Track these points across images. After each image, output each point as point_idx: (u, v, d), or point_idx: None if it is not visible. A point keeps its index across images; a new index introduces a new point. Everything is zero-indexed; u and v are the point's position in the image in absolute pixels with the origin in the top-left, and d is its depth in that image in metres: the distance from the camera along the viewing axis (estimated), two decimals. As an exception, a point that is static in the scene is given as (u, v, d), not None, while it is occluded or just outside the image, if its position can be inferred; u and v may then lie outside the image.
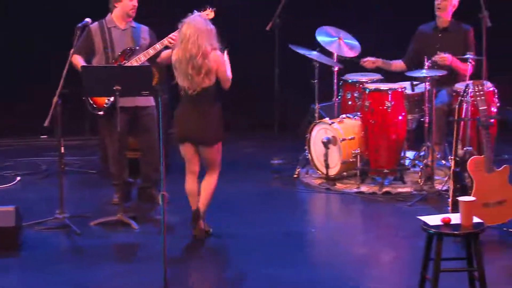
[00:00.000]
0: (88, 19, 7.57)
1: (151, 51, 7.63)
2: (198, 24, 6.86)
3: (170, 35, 7.56)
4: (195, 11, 7.25)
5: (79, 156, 9.35)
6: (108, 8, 7.82)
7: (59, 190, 7.38)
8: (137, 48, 7.68)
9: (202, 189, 7.11)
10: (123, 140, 7.58)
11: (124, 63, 7.58)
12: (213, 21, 7.08)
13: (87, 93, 7.47)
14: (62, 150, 7.42)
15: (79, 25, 7.49)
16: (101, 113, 7.55)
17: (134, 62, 7.60)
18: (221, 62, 6.89)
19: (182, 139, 7.06)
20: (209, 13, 7.48)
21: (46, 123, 7.27)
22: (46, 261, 6.74)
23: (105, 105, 7.59)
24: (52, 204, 7.54)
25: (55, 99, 7.29)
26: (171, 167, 8.58)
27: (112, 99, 7.49)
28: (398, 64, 8.76)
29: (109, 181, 8.01)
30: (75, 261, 6.79)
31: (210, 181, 7.11)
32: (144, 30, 7.81)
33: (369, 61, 8.70)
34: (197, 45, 6.81)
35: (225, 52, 6.94)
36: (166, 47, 7.61)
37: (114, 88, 7.14)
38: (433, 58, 8.19)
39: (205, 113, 6.97)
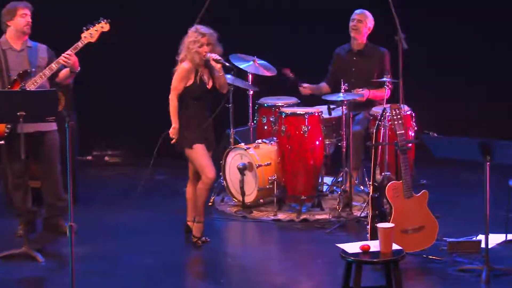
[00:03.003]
0: None
1: (47, 72, 7.39)
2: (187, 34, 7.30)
3: (64, 53, 7.34)
4: (89, 25, 7.34)
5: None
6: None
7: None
8: (33, 70, 7.42)
9: None
10: (25, 168, 7.30)
11: (21, 87, 7.27)
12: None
13: None
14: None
15: None
16: (1, 142, 7.22)
17: (31, 85, 7.33)
18: (175, 76, 7.20)
19: None
20: (104, 25, 7.47)
21: None
22: None
23: (5, 133, 7.31)
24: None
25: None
26: (79, 196, 8.42)
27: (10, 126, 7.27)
28: (325, 87, 8.74)
29: (12, 211, 7.80)
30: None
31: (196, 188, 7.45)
32: (42, 49, 7.59)
33: (305, 88, 8.60)
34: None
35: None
36: (65, 66, 7.38)
37: (18, 113, 6.90)
38: (352, 91, 8.22)
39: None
